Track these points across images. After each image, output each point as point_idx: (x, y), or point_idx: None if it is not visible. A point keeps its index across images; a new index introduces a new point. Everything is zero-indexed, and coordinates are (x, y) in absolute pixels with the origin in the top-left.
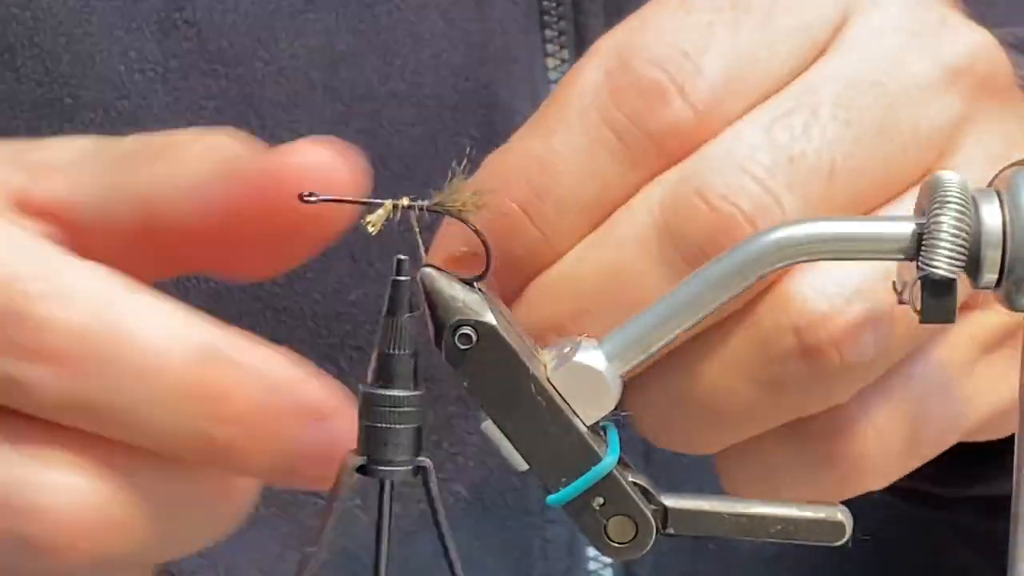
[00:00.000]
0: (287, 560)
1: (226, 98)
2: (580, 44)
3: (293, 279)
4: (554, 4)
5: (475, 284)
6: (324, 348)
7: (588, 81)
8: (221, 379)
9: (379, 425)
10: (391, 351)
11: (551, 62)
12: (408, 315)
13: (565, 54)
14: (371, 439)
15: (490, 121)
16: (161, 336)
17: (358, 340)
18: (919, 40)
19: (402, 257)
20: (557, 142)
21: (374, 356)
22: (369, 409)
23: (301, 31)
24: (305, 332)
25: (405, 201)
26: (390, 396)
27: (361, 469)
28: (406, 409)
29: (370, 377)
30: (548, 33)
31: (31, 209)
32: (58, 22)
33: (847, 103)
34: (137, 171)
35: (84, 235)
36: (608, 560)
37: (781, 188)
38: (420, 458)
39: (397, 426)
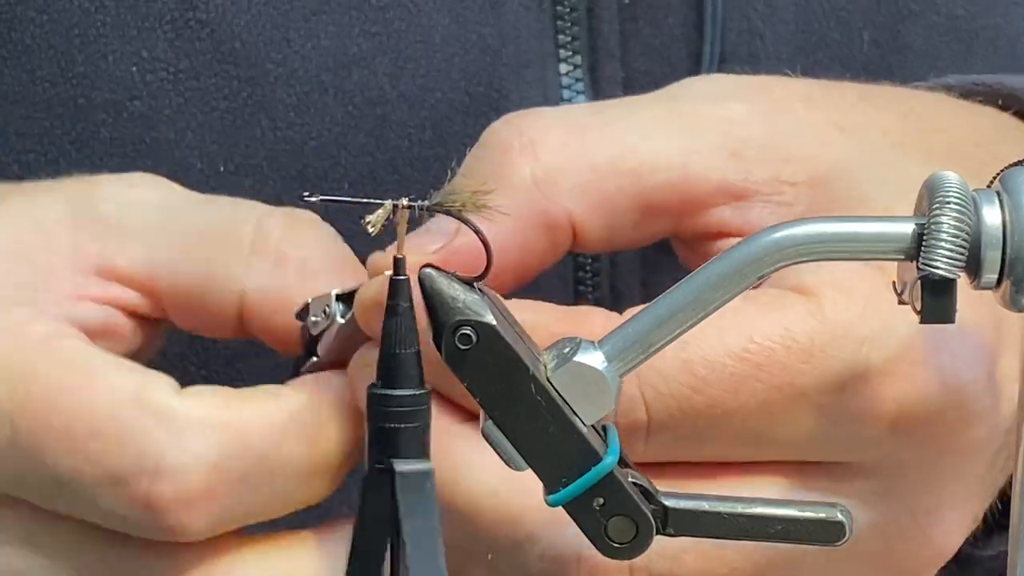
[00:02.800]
0: None
1: (238, 99)
2: (593, 49)
3: None
4: (568, 9)
5: (475, 284)
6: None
7: None
8: None
9: (389, 426)
10: (396, 351)
11: (564, 67)
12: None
13: (578, 59)
14: (382, 440)
15: None
16: None
17: None
18: None
19: (399, 256)
20: None
21: (378, 357)
22: (377, 410)
23: (313, 33)
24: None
25: (405, 201)
26: (399, 396)
27: (374, 470)
28: (415, 408)
29: (377, 376)
30: (561, 38)
31: (113, 276)
32: (73, 23)
33: None
34: (233, 264)
35: (171, 307)
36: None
37: None
38: (424, 460)
39: (406, 425)
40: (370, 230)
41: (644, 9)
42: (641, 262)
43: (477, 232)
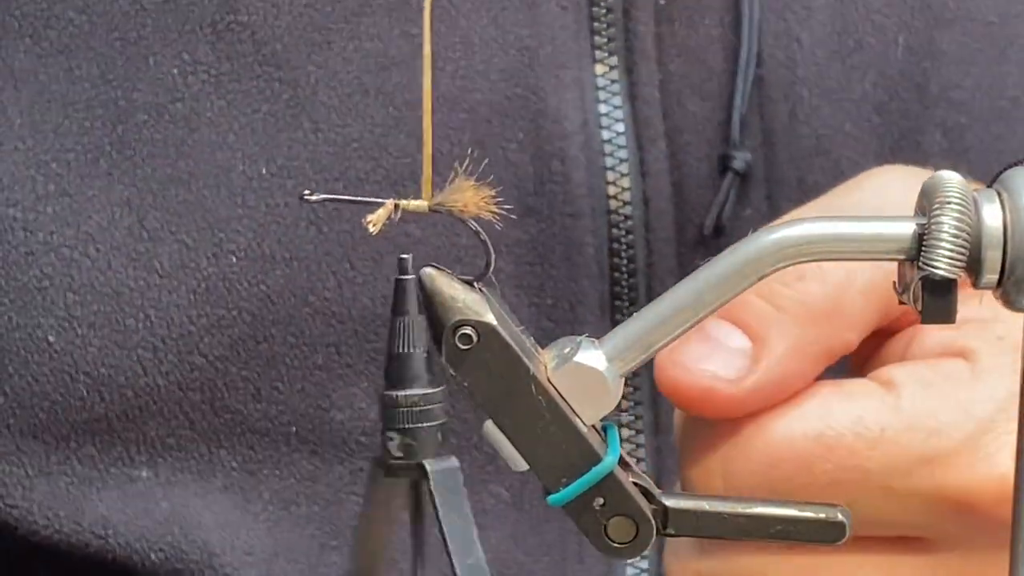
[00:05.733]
0: (327, 558)
1: (279, 101)
2: (629, 51)
3: (342, 283)
4: (604, 11)
5: (475, 284)
6: (371, 352)
7: None
8: None
9: (402, 427)
10: (403, 350)
11: (599, 68)
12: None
13: (614, 60)
14: (400, 441)
15: (538, 127)
16: None
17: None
18: None
19: (404, 256)
20: None
21: (388, 358)
22: (392, 412)
23: (354, 35)
24: (353, 336)
25: (405, 201)
26: (408, 397)
27: (390, 472)
28: (427, 407)
29: (387, 379)
30: (597, 39)
31: None
32: (113, 25)
33: None
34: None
35: None
36: (645, 565)
37: None
38: (451, 458)
39: (421, 425)
40: (371, 229)
41: (680, 10)
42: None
43: (477, 232)
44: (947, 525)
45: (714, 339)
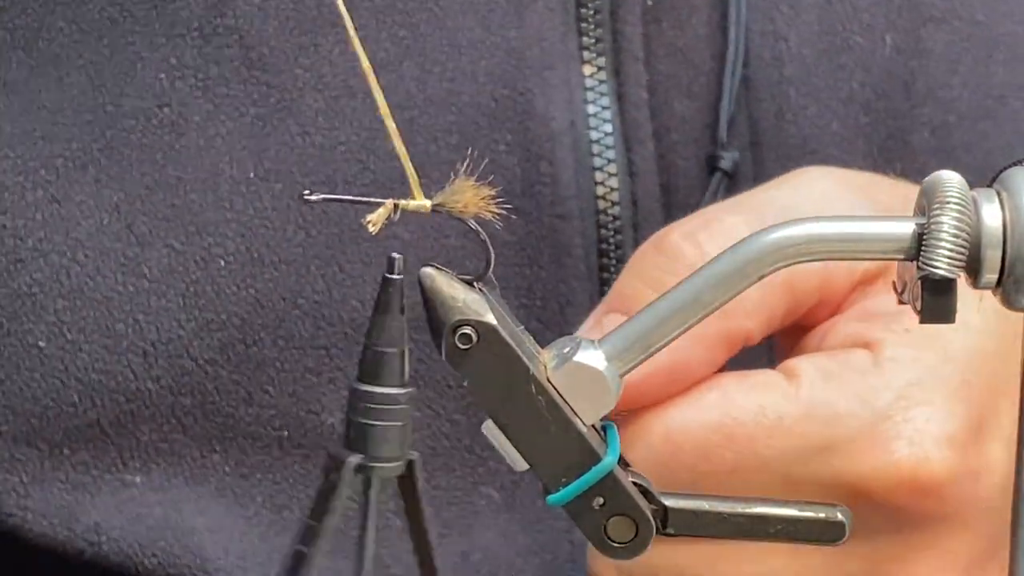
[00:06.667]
0: (320, 562)
1: (266, 105)
2: (617, 51)
3: (331, 286)
4: (591, 12)
5: (475, 284)
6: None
7: None
8: None
9: (370, 422)
10: (381, 348)
11: (587, 69)
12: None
13: (602, 61)
14: (362, 436)
15: (526, 128)
16: None
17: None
18: None
19: (395, 255)
20: None
21: (363, 352)
22: (360, 406)
23: (341, 38)
24: (343, 339)
25: (405, 201)
26: (383, 394)
27: (357, 468)
28: (398, 406)
29: (360, 372)
30: (585, 40)
31: None
32: (102, 33)
33: None
34: None
35: None
36: None
37: None
38: (411, 452)
39: (388, 423)
40: (371, 229)
41: (668, 11)
42: None
43: (477, 232)
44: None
45: (606, 327)
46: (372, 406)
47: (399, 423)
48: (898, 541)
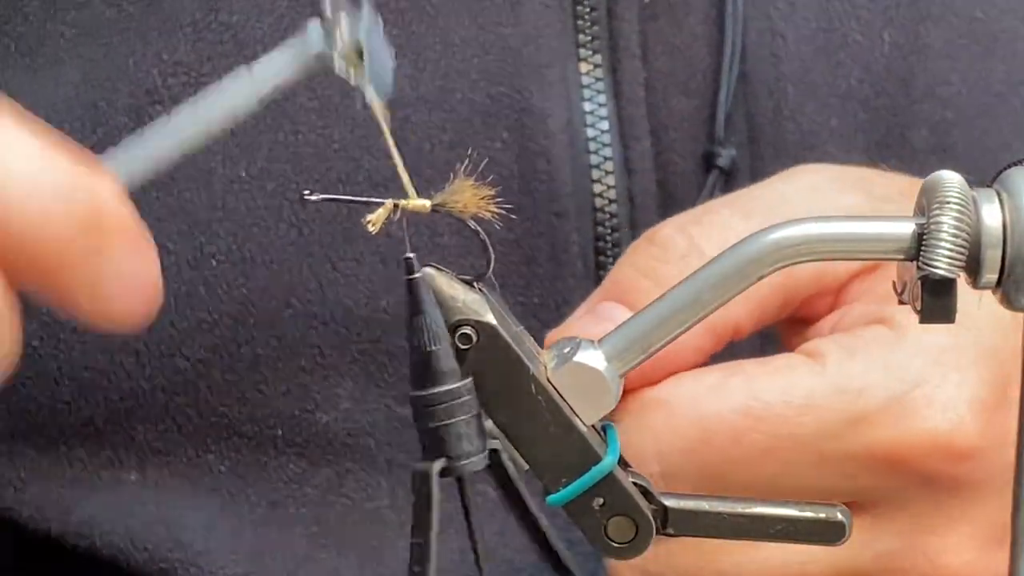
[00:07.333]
0: (315, 560)
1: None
2: (613, 49)
3: (324, 285)
4: (587, 9)
5: (475, 284)
6: (354, 353)
7: None
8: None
9: (439, 424)
10: (430, 347)
11: (584, 67)
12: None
13: (598, 59)
14: (436, 440)
15: (522, 126)
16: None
17: (388, 345)
18: None
19: (410, 256)
20: None
21: (411, 357)
22: (425, 411)
23: None
24: (336, 337)
25: (404, 201)
26: (443, 392)
27: (443, 472)
28: (461, 399)
29: (414, 381)
30: (581, 38)
31: None
32: (100, 33)
33: None
34: None
35: None
36: None
37: None
38: (491, 441)
39: (457, 419)
40: (371, 229)
41: (664, 8)
42: None
43: (477, 232)
44: (883, 484)
45: (599, 314)
46: (435, 407)
47: (467, 416)
48: (932, 511)
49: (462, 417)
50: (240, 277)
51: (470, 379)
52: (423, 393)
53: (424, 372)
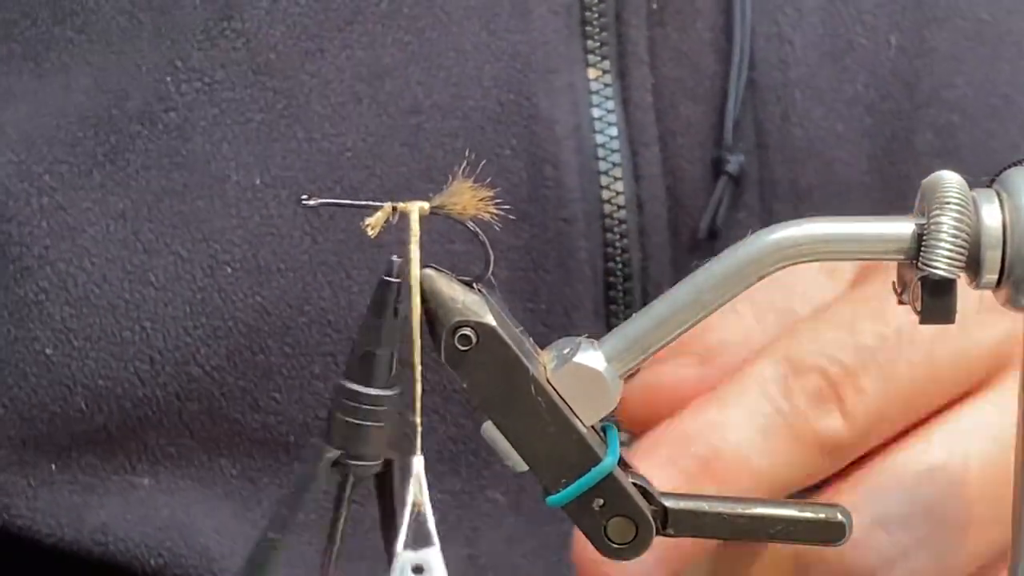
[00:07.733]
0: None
1: (272, 110)
2: (622, 55)
3: (338, 292)
4: (596, 15)
5: (475, 284)
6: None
7: (766, 371)
8: None
9: (355, 421)
10: (371, 349)
11: (592, 72)
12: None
13: (607, 64)
14: (345, 434)
15: (531, 132)
16: None
17: (403, 353)
18: None
19: (395, 258)
20: (733, 414)
21: (352, 351)
22: (345, 404)
23: (347, 43)
24: (349, 345)
25: (403, 204)
26: (367, 394)
27: (335, 463)
28: (383, 408)
29: (348, 371)
30: (590, 44)
31: None
32: (110, 40)
33: (994, 460)
34: None
35: None
36: None
37: (911, 542)
38: (390, 452)
39: (370, 423)
40: (370, 232)
41: (672, 15)
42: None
43: (476, 234)
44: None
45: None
46: (356, 405)
47: (380, 424)
48: None
49: (377, 424)
50: (254, 285)
51: (396, 392)
52: (353, 388)
53: (360, 368)
